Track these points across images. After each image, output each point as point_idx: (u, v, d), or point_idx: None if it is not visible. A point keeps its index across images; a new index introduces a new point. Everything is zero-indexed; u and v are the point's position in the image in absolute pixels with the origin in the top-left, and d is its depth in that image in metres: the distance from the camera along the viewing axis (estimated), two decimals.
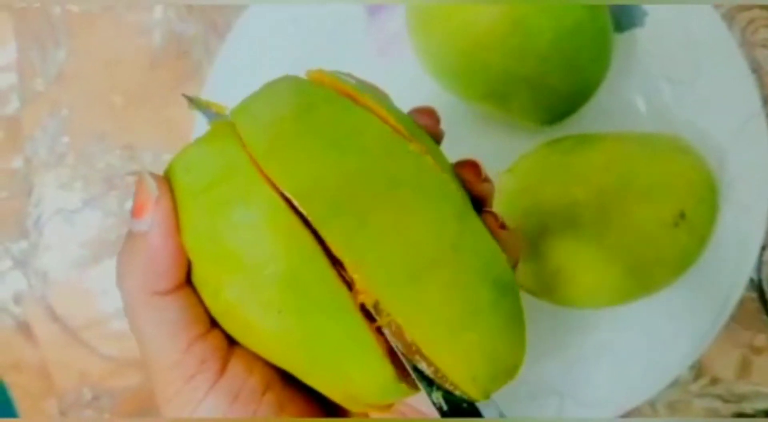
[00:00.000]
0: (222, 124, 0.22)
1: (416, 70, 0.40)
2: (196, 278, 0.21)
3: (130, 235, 0.21)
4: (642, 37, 0.41)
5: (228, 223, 0.20)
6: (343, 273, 0.20)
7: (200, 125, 0.42)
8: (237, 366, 0.22)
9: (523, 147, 0.39)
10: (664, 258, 0.34)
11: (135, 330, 0.22)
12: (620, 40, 0.41)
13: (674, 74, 0.40)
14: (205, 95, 0.42)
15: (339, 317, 0.20)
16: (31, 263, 0.44)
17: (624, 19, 0.41)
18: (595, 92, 0.38)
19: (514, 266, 0.24)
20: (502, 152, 0.40)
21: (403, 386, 0.21)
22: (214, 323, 0.22)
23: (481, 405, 0.21)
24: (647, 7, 0.41)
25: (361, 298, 0.20)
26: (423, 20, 0.38)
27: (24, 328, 0.45)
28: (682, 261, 0.35)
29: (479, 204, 0.24)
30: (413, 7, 0.38)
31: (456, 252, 0.20)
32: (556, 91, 0.37)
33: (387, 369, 0.20)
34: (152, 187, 0.21)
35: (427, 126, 0.24)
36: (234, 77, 0.42)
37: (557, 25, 0.35)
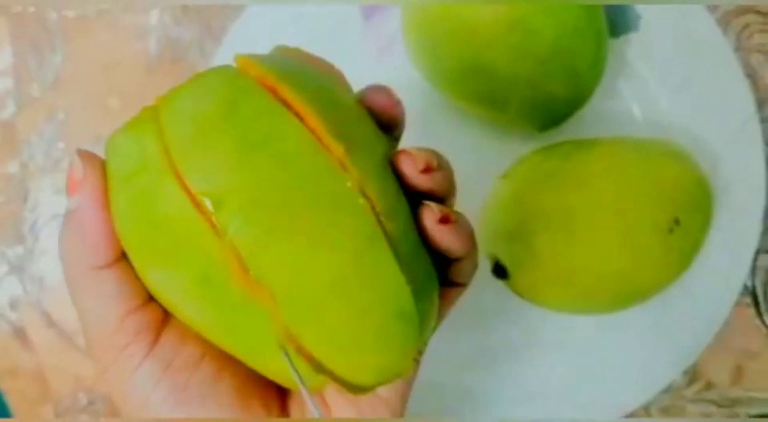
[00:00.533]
0: (149, 109, 0.21)
1: (413, 73, 0.40)
2: (127, 253, 0.22)
3: (67, 212, 0.22)
4: (637, 41, 0.41)
5: (143, 217, 0.20)
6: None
7: None
8: (170, 336, 0.23)
9: (519, 151, 0.39)
10: (658, 263, 0.34)
11: (74, 301, 0.23)
12: (615, 44, 0.41)
13: (669, 79, 0.41)
14: None
15: (248, 315, 0.20)
16: (27, 268, 0.44)
17: (619, 24, 0.41)
18: (591, 96, 0.38)
19: (462, 260, 0.24)
20: (497, 156, 0.40)
21: (321, 377, 0.21)
22: (151, 296, 0.22)
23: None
24: (642, 11, 0.41)
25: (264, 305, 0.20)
26: (418, 23, 0.38)
27: (20, 333, 0.45)
28: (677, 267, 0.35)
29: (424, 195, 0.23)
30: (409, 10, 0.38)
31: (358, 281, 0.20)
32: (553, 94, 0.37)
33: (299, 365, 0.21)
34: (78, 167, 0.21)
35: (380, 107, 0.24)
36: None
37: (556, 27, 0.35)
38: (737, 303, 0.40)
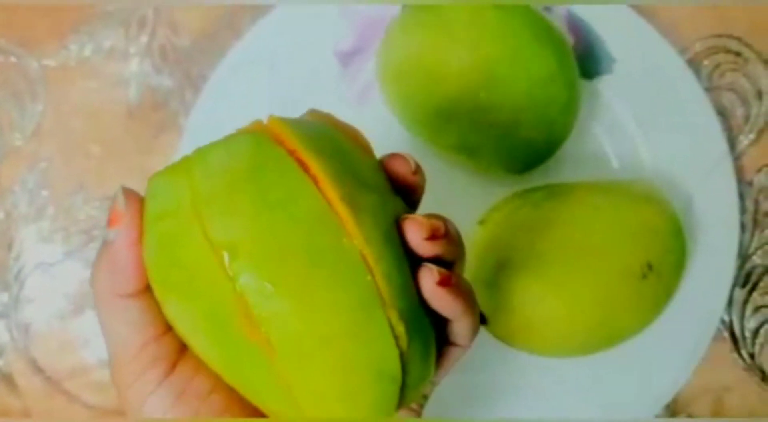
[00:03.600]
0: (186, 159, 0.23)
1: (390, 118, 0.40)
2: (151, 284, 0.24)
3: (103, 242, 0.24)
4: (610, 83, 0.41)
5: (167, 254, 0.23)
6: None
7: None
8: (184, 366, 0.24)
9: (498, 194, 0.40)
10: (632, 309, 0.35)
11: (101, 325, 0.24)
12: (589, 86, 0.41)
13: (642, 119, 0.41)
14: (184, 146, 0.42)
15: (248, 355, 0.22)
16: (12, 316, 0.45)
17: (592, 67, 0.42)
18: (565, 140, 0.39)
19: (459, 322, 0.24)
20: (476, 200, 0.40)
21: None
22: (170, 328, 0.24)
23: None
24: (616, 54, 0.41)
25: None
26: (393, 74, 0.38)
27: (7, 379, 0.45)
28: (651, 311, 0.35)
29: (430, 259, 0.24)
30: (384, 60, 0.39)
31: (349, 340, 0.22)
32: (527, 141, 0.37)
33: (295, 409, 0.23)
34: (120, 202, 0.23)
35: (398, 173, 0.25)
36: (212, 128, 0.42)
37: (527, 77, 0.36)
38: (715, 338, 0.41)
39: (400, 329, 0.22)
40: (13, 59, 0.45)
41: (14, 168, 0.45)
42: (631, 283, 0.34)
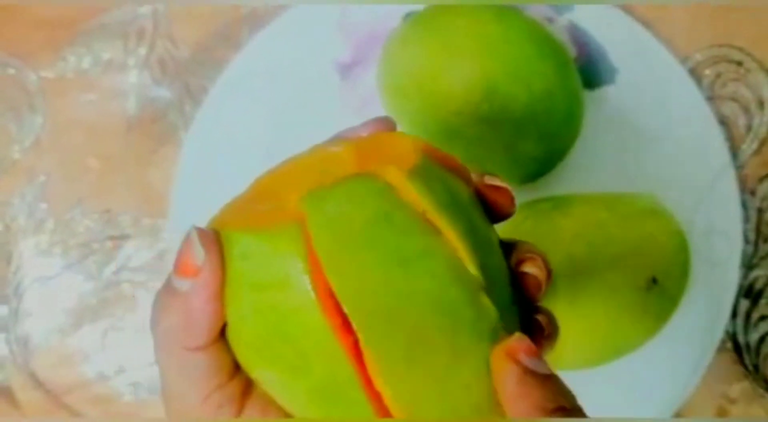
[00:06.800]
0: (289, 223, 0.20)
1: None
2: (232, 343, 0.22)
3: (171, 289, 0.22)
4: (612, 94, 0.41)
5: (268, 330, 0.20)
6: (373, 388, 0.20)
7: (178, 189, 0.42)
8: (254, 408, 0.22)
9: None
10: (637, 321, 0.35)
11: (160, 371, 0.23)
12: (591, 97, 0.41)
13: (644, 129, 0.41)
14: (184, 159, 0.42)
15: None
16: (12, 329, 0.44)
17: (595, 77, 0.41)
18: (568, 152, 0.39)
19: None
20: None
21: None
22: (236, 369, 0.22)
23: None
24: (618, 65, 0.41)
25: None
26: (394, 85, 0.38)
27: (7, 393, 0.45)
28: (655, 323, 0.35)
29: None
30: (384, 73, 0.39)
31: (489, 416, 0.20)
32: (529, 152, 0.37)
33: None
34: (199, 253, 0.21)
35: (497, 204, 0.24)
36: (212, 140, 0.42)
37: (528, 92, 0.36)
38: (719, 349, 0.41)
39: None
40: (11, 71, 0.45)
41: (13, 181, 0.45)
42: (635, 296, 0.34)
